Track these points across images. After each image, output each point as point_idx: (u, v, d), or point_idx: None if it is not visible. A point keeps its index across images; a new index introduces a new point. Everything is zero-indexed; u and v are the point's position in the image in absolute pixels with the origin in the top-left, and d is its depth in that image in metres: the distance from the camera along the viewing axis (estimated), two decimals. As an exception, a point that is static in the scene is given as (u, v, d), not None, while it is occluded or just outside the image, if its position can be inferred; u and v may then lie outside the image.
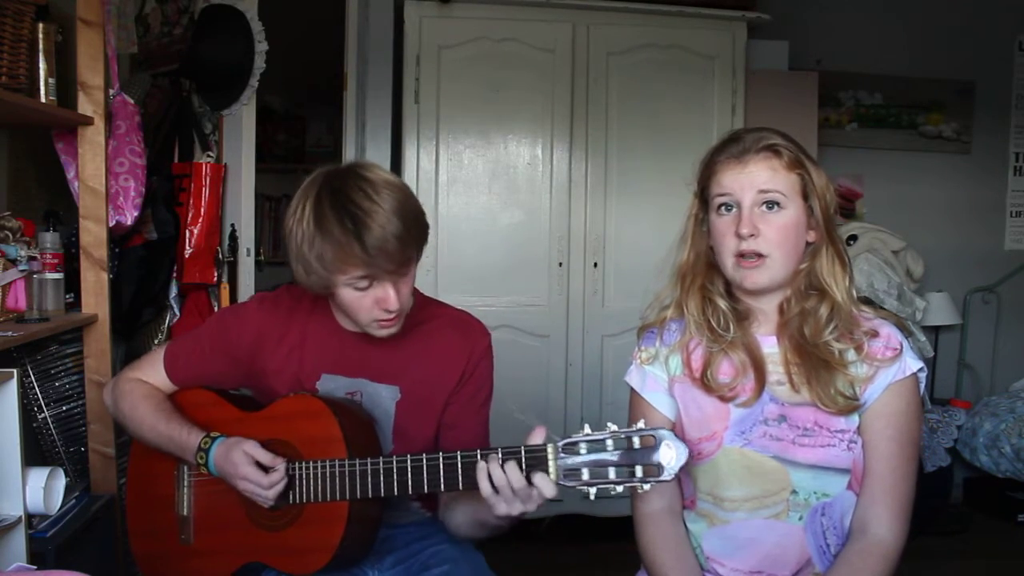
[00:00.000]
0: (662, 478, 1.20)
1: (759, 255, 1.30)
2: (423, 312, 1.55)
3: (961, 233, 3.91)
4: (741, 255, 1.31)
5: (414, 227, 1.38)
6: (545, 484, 1.23)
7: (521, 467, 1.24)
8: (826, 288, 1.33)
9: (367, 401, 1.51)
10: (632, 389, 1.45)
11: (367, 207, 1.33)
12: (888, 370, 1.32)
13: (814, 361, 1.32)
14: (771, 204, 1.30)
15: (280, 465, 1.39)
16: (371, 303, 1.39)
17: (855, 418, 1.33)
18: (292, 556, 1.41)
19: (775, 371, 1.35)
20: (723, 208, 1.33)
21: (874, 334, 1.34)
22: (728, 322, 1.36)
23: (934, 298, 3.72)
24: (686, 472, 1.40)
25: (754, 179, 1.30)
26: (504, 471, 1.24)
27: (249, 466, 1.38)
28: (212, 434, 1.45)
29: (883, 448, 1.32)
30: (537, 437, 1.26)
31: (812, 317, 1.33)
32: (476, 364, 1.54)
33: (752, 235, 1.29)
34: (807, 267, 1.34)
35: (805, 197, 1.32)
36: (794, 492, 1.33)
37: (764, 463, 1.33)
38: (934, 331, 3.79)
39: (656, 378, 1.43)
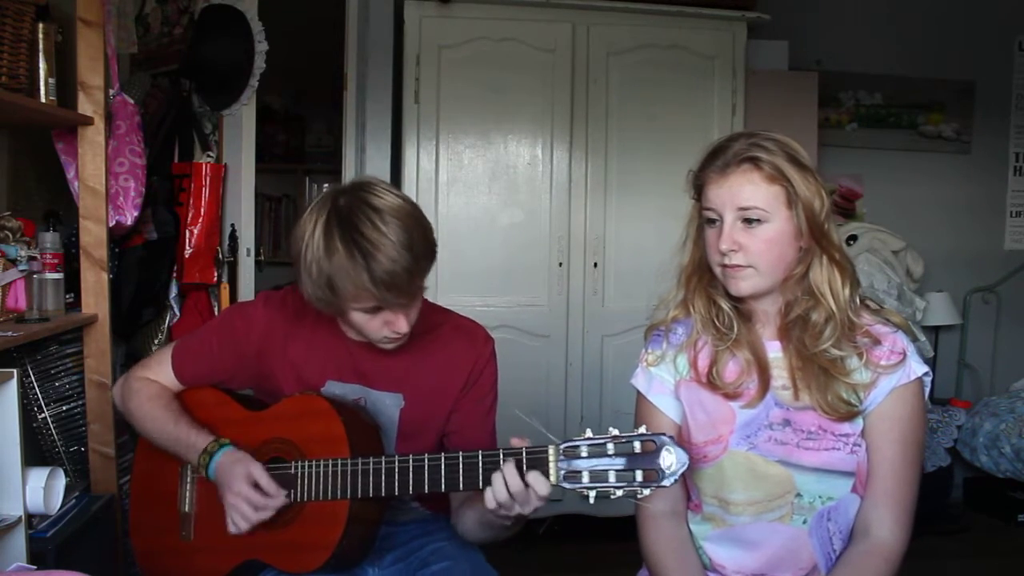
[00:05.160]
0: (661, 483, 1.20)
1: (741, 266, 1.31)
2: (427, 319, 1.54)
3: (961, 233, 3.91)
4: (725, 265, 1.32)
5: (423, 256, 1.37)
6: (539, 482, 1.24)
7: (521, 468, 1.25)
8: (819, 297, 1.32)
9: (371, 409, 1.52)
10: (638, 392, 1.46)
11: (376, 239, 1.31)
12: (891, 375, 1.32)
13: (814, 368, 1.32)
14: (751, 220, 1.29)
15: (281, 496, 1.39)
16: (380, 324, 1.40)
17: (859, 421, 1.33)
18: (291, 554, 1.41)
19: (779, 376, 1.35)
20: (709, 222, 1.34)
21: (878, 341, 1.34)
22: (732, 321, 1.36)
23: (934, 298, 3.72)
24: (690, 476, 1.40)
25: (734, 195, 1.29)
26: (504, 476, 1.25)
27: (246, 484, 1.38)
28: (222, 440, 1.45)
29: (886, 451, 1.32)
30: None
31: (808, 324, 1.33)
32: (481, 370, 1.54)
33: (733, 250, 1.30)
34: (800, 273, 1.33)
35: (792, 206, 1.30)
36: (798, 495, 1.34)
37: (769, 467, 1.33)
38: (934, 331, 3.79)
39: (662, 381, 1.43)
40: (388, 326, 1.40)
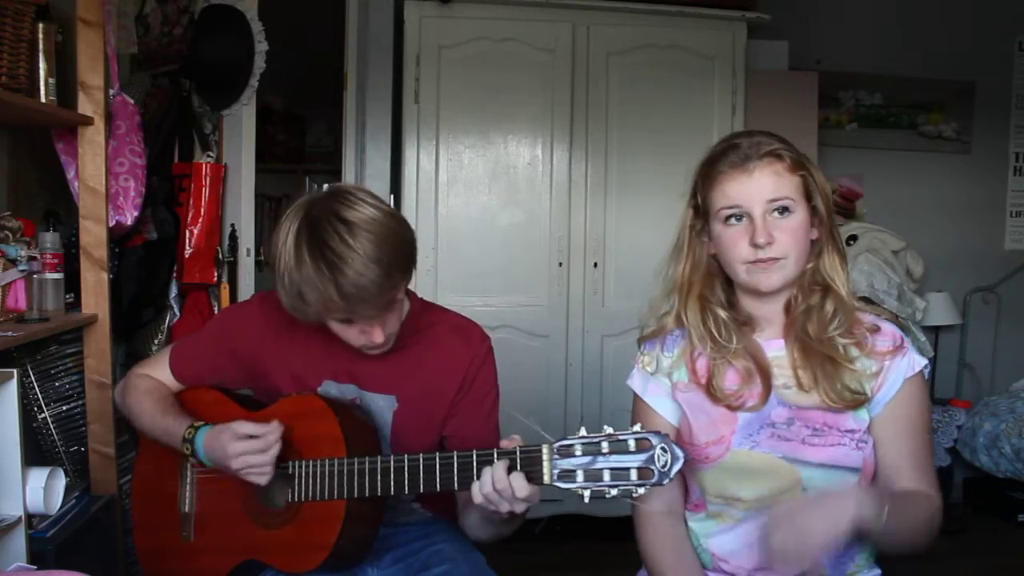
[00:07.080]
0: (657, 482, 1.19)
1: (776, 258, 1.30)
2: (421, 319, 1.54)
3: (961, 233, 3.91)
4: (757, 260, 1.30)
5: (395, 267, 1.34)
6: (517, 483, 1.23)
7: (516, 468, 1.24)
8: (830, 283, 1.33)
9: (365, 409, 1.51)
10: (635, 393, 1.45)
11: (343, 252, 1.29)
12: (897, 368, 1.32)
13: (820, 358, 1.32)
14: (782, 210, 1.30)
15: (275, 426, 1.38)
16: (357, 333, 1.39)
17: (864, 418, 1.32)
18: (289, 554, 1.42)
19: (782, 374, 1.35)
20: (732, 219, 1.31)
21: (875, 329, 1.35)
22: (729, 332, 1.35)
23: (934, 298, 3.72)
24: (692, 477, 1.40)
25: (763, 188, 1.29)
26: (492, 472, 1.24)
27: (238, 441, 1.37)
28: (196, 424, 1.45)
29: (905, 441, 1.32)
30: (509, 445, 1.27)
31: (817, 313, 1.33)
32: (476, 371, 1.51)
33: (769, 243, 1.29)
34: (812, 264, 1.35)
35: (808, 197, 1.32)
36: (805, 489, 1.33)
37: (773, 463, 1.33)
38: (934, 331, 3.79)
39: (658, 382, 1.42)
40: (364, 336, 1.39)
